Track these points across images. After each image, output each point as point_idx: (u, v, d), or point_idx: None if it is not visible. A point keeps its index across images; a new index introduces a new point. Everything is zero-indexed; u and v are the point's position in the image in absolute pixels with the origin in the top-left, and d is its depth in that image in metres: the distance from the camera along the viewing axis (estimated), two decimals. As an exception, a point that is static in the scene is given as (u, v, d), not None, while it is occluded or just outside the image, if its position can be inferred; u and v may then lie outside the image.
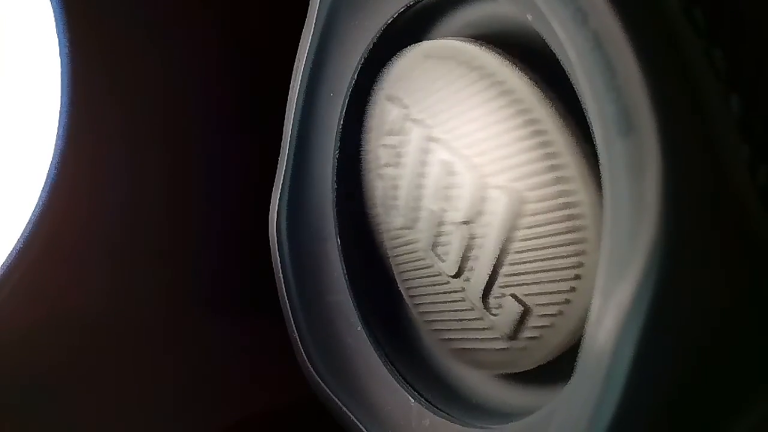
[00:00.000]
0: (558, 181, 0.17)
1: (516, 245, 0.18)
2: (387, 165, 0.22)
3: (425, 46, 0.20)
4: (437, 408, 0.21)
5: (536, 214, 0.17)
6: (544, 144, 0.17)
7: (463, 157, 0.19)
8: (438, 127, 0.19)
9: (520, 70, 0.17)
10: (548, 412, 0.17)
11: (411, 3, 0.21)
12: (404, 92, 0.21)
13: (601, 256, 0.15)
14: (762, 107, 0.14)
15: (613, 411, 0.14)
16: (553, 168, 0.17)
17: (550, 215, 0.17)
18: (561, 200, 0.17)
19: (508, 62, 0.18)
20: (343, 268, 0.24)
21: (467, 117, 0.18)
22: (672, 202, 0.13)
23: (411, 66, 0.21)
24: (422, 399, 0.22)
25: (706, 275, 0.14)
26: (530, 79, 0.17)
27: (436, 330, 0.22)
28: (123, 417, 0.28)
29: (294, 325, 0.24)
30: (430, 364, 0.23)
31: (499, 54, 0.18)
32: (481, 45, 0.18)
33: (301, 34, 0.23)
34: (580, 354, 0.15)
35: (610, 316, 0.14)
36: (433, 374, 0.22)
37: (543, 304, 0.18)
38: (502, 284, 0.19)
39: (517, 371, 0.19)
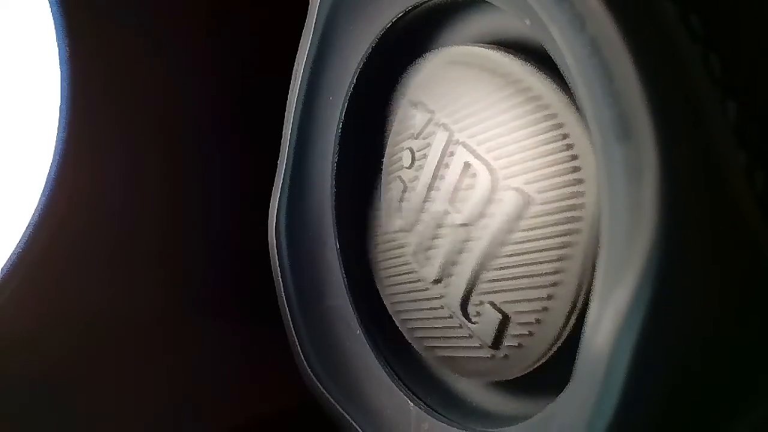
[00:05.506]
0: (576, 182, 0.17)
1: (506, 249, 0.18)
2: (407, 167, 0.22)
3: (449, 52, 0.20)
4: (436, 412, 0.21)
5: (542, 215, 0.17)
6: (567, 147, 0.17)
7: (485, 160, 0.19)
8: (464, 131, 0.20)
9: (545, 75, 0.18)
10: (547, 416, 0.17)
11: (409, 8, 0.21)
12: (428, 97, 0.21)
13: (599, 260, 0.15)
14: (758, 113, 0.14)
15: (612, 414, 0.14)
16: (573, 170, 0.17)
17: (557, 216, 0.17)
18: (571, 201, 0.17)
19: (532, 68, 0.18)
20: (342, 273, 0.24)
21: (493, 122, 0.19)
22: (669, 207, 0.13)
23: (435, 72, 0.21)
24: (421, 403, 0.22)
25: (704, 280, 0.14)
26: (555, 84, 0.17)
27: (419, 338, 0.22)
28: (122, 420, 0.28)
29: (293, 330, 0.24)
30: (429, 368, 0.23)
31: (522, 60, 0.18)
32: (504, 51, 0.19)
33: (299, 36, 0.23)
34: (577, 358, 0.15)
35: (607, 320, 0.14)
36: (432, 378, 0.22)
37: (522, 312, 0.18)
38: (481, 291, 0.19)
39: (503, 380, 0.19)
